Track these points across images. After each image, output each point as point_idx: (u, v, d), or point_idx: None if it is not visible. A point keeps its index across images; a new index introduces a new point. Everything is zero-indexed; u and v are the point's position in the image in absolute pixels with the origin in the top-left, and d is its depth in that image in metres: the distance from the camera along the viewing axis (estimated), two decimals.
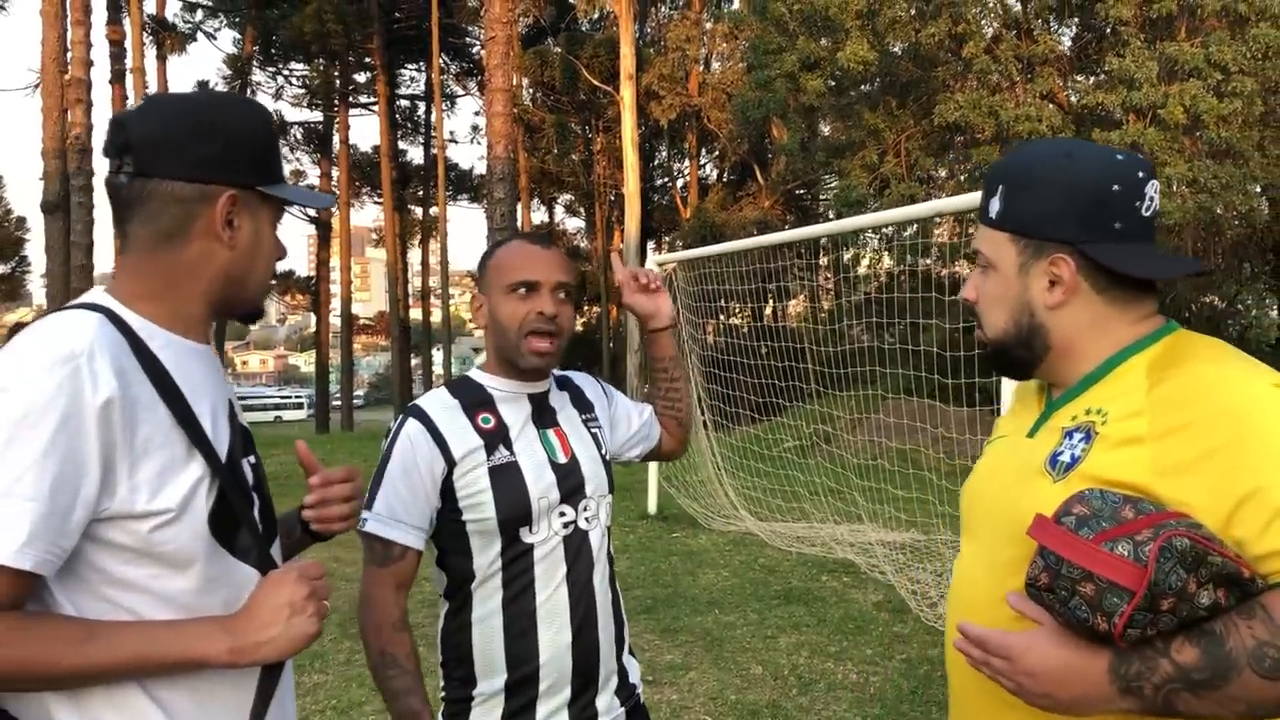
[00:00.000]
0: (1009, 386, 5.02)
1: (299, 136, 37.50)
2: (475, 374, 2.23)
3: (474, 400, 2.16)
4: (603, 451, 2.29)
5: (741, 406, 11.06)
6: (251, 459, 1.60)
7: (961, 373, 7.12)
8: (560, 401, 2.28)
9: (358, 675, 5.48)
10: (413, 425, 2.09)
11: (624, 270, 2.50)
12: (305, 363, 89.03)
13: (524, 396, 2.20)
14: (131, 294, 1.50)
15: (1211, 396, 1.35)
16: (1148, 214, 1.48)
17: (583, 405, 2.33)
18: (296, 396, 64.41)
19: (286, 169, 1.74)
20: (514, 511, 2.07)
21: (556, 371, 2.34)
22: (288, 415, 58.76)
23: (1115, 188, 1.46)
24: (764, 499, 10.02)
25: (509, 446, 2.11)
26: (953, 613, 1.62)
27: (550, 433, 2.19)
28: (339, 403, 37.12)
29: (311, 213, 29.76)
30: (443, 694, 2.15)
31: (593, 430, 2.29)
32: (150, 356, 1.44)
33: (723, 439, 11.19)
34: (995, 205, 1.55)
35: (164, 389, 1.43)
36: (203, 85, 34.82)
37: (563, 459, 2.17)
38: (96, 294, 1.51)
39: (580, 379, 2.42)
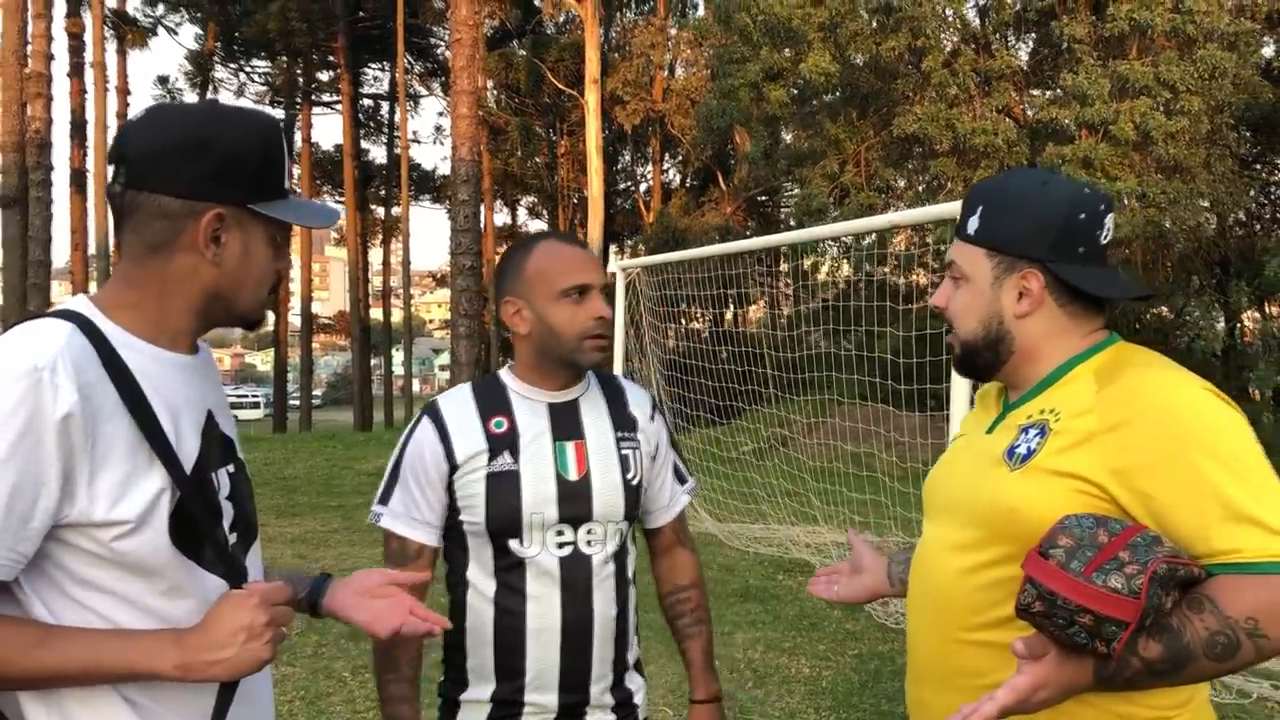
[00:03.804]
0: (958, 394, 5.23)
1: None
2: (503, 373, 2.20)
3: (491, 401, 2.14)
4: (629, 475, 2.15)
5: (701, 409, 11.25)
6: (230, 468, 1.62)
7: (914, 379, 7.36)
8: (594, 411, 2.18)
9: (325, 667, 5.60)
10: (425, 424, 2.12)
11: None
12: (262, 361, 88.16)
13: (544, 404, 2.14)
14: (114, 302, 1.52)
15: (1150, 398, 1.55)
16: (1105, 241, 1.69)
17: (622, 421, 2.20)
18: (253, 396, 63.85)
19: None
20: (503, 521, 2.05)
21: (618, 377, 2.34)
22: (244, 415, 58.18)
23: (1081, 216, 1.66)
24: (723, 500, 10.22)
25: (515, 454, 2.07)
26: (916, 589, 1.81)
27: (569, 445, 2.12)
28: (297, 402, 36.93)
29: None
30: (439, 684, 2.18)
31: (624, 451, 2.17)
32: (120, 367, 1.45)
33: (682, 440, 11.37)
34: (974, 223, 1.72)
35: (130, 400, 1.44)
36: (163, 81, 34.58)
37: (574, 476, 2.09)
38: (77, 301, 1.52)
39: (634, 391, 2.29)
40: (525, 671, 2.06)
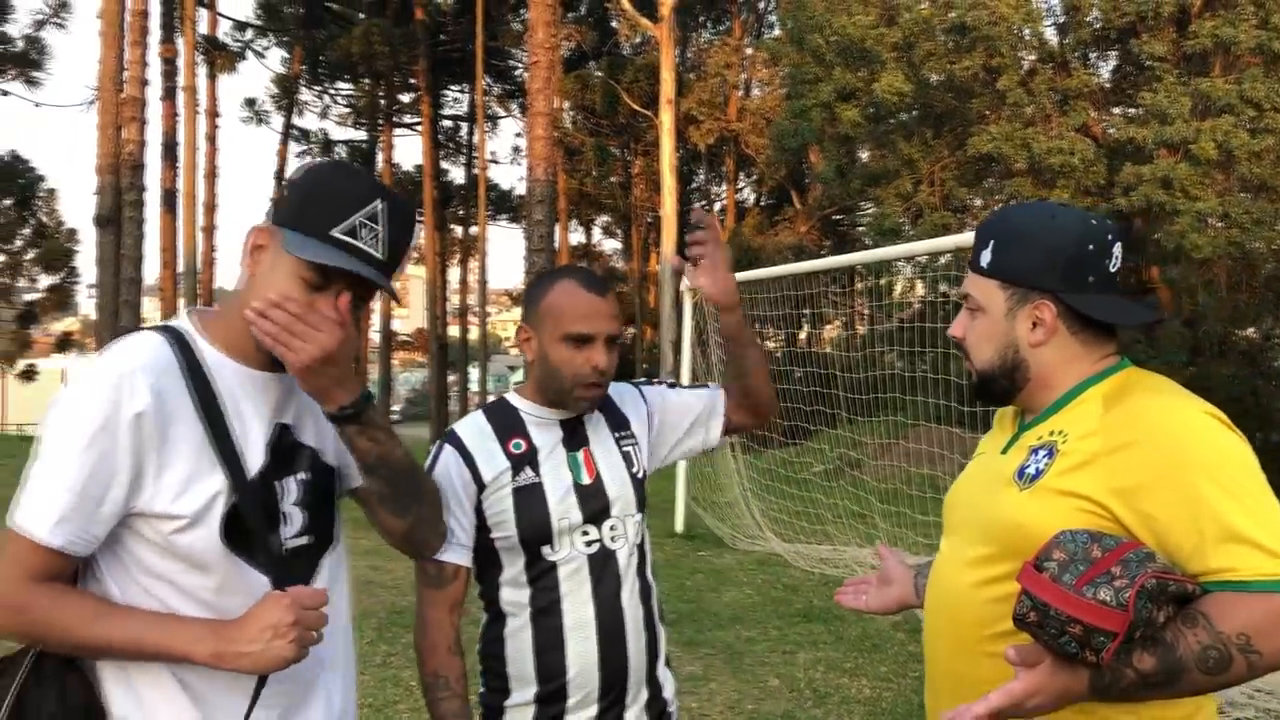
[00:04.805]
0: None
1: (343, 155, 38.19)
2: (512, 397, 2.33)
3: (507, 424, 2.26)
4: (634, 470, 2.31)
5: (772, 430, 11.25)
6: (302, 475, 1.76)
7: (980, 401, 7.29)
8: (594, 421, 2.32)
9: (392, 676, 5.75)
10: (448, 450, 2.22)
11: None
12: None
13: (556, 422, 2.27)
14: (208, 319, 1.73)
15: (1152, 421, 1.61)
16: (1114, 270, 1.74)
17: (618, 423, 2.35)
18: None
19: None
20: (534, 530, 2.17)
21: None
22: None
23: (1090, 247, 1.72)
24: (789, 521, 10.22)
25: (535, 468, 2.20)
26: (932, 601, 1.89)
27: (579, 454, 2.26)
28: None
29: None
30: (480, 696, 2.27)
31: (625, 449, 2.32)
32: (202, 377, 1.65)
33: (751, 461, 11.39)
34: (987, 256, 1.79)
35: (204, 407, 1.63)
36: (250, 103, 35.57)
37: (587, 480, 2.24)
38: (180, 317, 1.74)
39: (620, 393, 2.42)
40: (567, 669, 2.16)
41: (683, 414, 2.46)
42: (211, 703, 1.64)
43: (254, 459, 1.68)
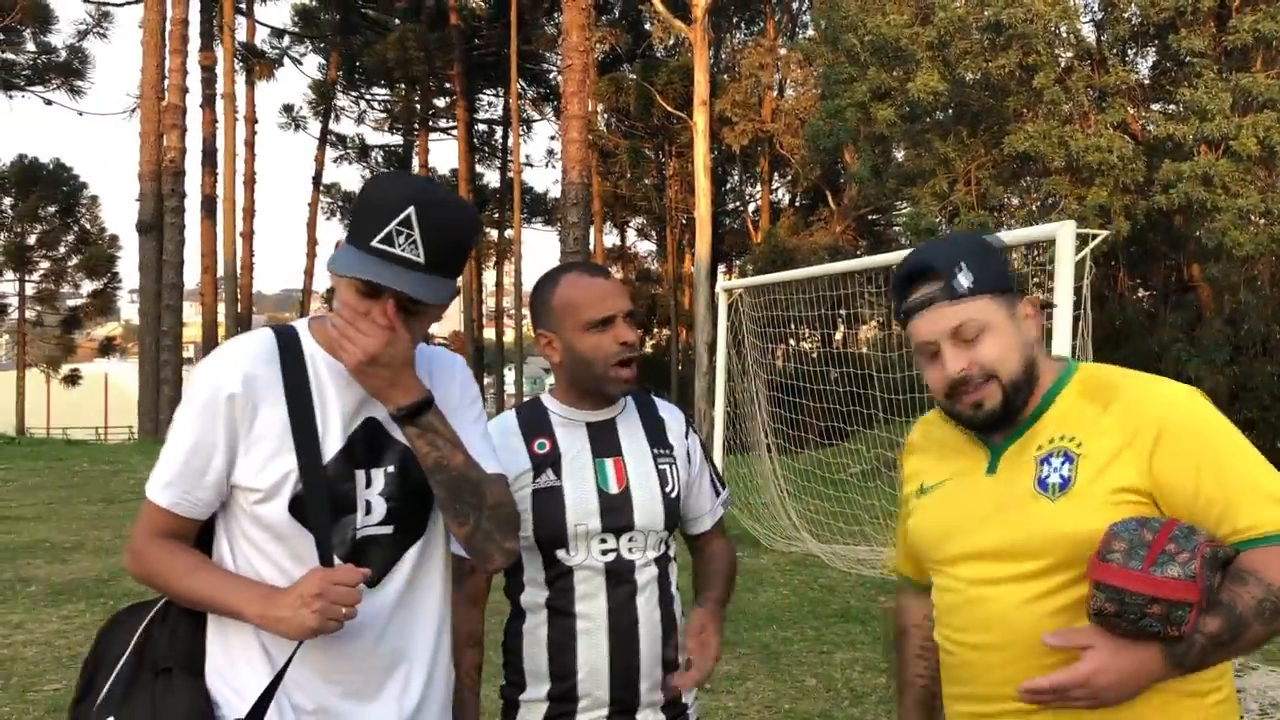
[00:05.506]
0: None
1: (379, 159, 38.54)
2: (544, 397, 2.36)
3: (534, 424, 2.29)
4: (668, 489, 2.29)
5: (808, 431, 11.22)
6: (390, 468, 1.86)
7: None
8: (631, 430, 2.33)
9: None
10: None
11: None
12: None
13: (583, 424, 2.29)
14: (316, 320, 1.91)
15: (1157, 406, 1.73)
16: None
17: (658, 440, 2.35)
18: None
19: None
20: (549, 533, 2.19)
21: (653, 398, 2.45)
22: None
23: None
24: (826, 522, 10.21)
25: (557, 471, 2.22)
26: (971, 630, 1.81)
27: (608, 461, 2.26)
28: None
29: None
30: (501, 688, 2.32)
31: (661, 466, 2.31)
32: (298, 370, 1.83)
33: (787, 463, 11.38)
34: (965, 280, 1.79)
35: (293, 396, 1.81)
36: (289, 109, 35.97)
37: (614, 489, 2.24)
38: (301, 319, 1.93)
39: (670, 413, 2.43)
40: (578, 670, 2.20)
41: (695, 498, 2.44)
42: (277, 661, 1.80)
43: (330, 446, 1.82)
